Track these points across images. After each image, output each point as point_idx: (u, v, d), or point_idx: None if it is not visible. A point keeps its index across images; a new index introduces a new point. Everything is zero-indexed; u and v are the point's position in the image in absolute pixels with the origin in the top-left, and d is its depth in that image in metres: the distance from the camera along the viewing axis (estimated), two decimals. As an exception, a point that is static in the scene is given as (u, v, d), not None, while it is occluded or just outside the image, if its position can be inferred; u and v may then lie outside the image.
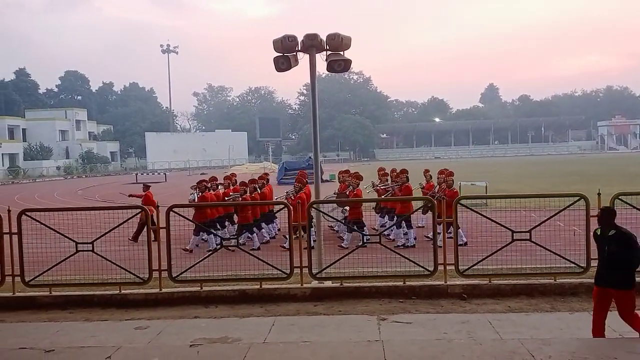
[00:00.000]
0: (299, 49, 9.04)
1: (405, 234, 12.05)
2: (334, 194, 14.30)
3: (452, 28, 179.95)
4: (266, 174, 15.34)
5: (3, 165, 65.58)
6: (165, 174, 50.66)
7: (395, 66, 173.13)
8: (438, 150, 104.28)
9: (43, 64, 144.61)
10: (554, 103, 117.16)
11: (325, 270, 8.65)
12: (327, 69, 9.26)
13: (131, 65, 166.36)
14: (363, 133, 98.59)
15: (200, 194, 12.96)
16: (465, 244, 10.95)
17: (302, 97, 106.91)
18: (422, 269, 8.28)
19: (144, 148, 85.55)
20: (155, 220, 9.19)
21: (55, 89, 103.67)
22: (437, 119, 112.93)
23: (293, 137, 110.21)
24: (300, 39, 8.97)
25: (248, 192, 12.93)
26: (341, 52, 9.09)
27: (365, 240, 9.27)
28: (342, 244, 11.59)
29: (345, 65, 9.11)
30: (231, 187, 13.86)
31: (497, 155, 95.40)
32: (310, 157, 40.08)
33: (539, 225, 8.34)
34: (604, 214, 5.93)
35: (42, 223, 8.64)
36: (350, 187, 12.68)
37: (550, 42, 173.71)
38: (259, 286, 8.36)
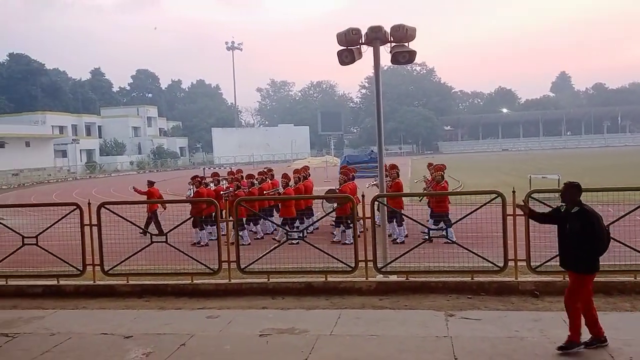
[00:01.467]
0: (363, 41, 8.97)
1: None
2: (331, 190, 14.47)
3: (521, 15, 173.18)
4: (270, 170, 15.53)
5: (81, 161, 69.63)
6: (231, 168, 51.93)
7: (460, 56, 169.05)
8: (505, 142, 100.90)
9: (116, 64, 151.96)
10: (631, 91, 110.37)
11: (390, 265, 8.59)
12: (391, 61, 9.13)
13: (198, 62, 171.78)
14: (426, 125, 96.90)
15: (195, 189, 13.23)
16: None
17: (363, 90, 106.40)
18: (492, 265, 8.06)
19: (210, 143, 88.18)
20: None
21: (128, 87, 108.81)
22: (504, 110, 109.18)
23: (354, 130, 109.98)
24: (364, 31, 8.91)
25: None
26: (406, 44, 8.94)
27: (431, 236, 9.20)
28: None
29: (410, 56, 8.95)
30: (233, 183, 14.10)
31: (570, 147, 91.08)
32: (372, 151, 39.71)
33: (617, 220, 7.90)
34: (567, 189, 5.50)
35: (119, 215, 9.09)
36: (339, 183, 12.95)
37: (627, 28, 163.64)
38: (324, 279, 8.43)
